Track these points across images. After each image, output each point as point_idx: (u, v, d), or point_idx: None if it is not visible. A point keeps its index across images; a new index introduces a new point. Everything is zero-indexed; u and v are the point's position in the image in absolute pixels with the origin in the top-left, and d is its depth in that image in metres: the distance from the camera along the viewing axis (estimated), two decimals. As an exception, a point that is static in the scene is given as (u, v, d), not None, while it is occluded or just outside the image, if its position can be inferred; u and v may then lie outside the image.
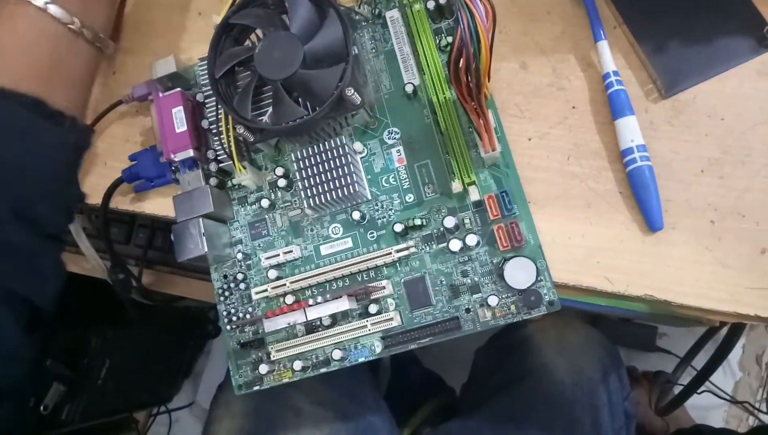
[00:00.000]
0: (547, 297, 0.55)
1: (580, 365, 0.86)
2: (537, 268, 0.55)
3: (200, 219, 0.58)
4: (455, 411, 1.03)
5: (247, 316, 0.60)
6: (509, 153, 0.58)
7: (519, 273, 0.55)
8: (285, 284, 0.59)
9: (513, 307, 0.56)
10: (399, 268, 0.59)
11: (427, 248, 0.59)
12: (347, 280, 0.59)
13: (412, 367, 1.26)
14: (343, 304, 0.52)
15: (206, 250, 0.57)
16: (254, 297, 0.60)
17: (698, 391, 1.11)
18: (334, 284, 0.59)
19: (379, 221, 0.60)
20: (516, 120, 0.59)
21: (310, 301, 0.51)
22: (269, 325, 0.52)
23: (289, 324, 0.51)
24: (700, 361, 1.13)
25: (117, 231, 0.88)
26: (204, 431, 0.81)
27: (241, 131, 0.53)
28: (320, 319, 0.58)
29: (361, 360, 0.58)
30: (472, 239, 0.56)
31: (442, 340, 0.57)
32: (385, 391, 1.15)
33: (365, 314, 0.58)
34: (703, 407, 1.43)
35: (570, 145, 0.55)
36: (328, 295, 0.51)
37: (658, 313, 0.78)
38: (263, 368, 0.58)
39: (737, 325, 0.90)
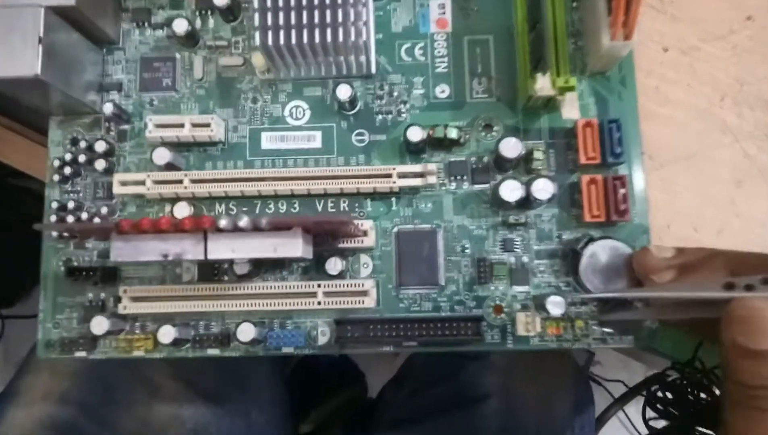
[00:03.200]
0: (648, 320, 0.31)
1: (551, 398, 0.64)
2: (641, 266, 0.30)
3: (42, 9, 0.28)
4: (368, 409, 0.80)
5: (96, 219, 0.32)
6: (631, 63, 0.33)
7: (607, 268, 0.30)
8: (182, 181, 0.31)
9: (580, 326, 0.31)
10: (396, 207, 0.33)
11: (454, 185, 0.33)
12: (297, 205, 0.32)
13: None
14: (284, 246, 0.25)
15: (40, 73, 0.28)
16: (117, 190, 0.32)
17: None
18: (273, 205, 0.32)
19: (380, 117, 0.33)
20: (652, 13, 0.34)
21: (222, 222, 0.23)
22: (124, 250, 0.24)
23: (165, 257, 0.24)
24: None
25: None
26: (11, 385, 0.52)
27: None
28: (231, 262, 0.30)
29: (286, 350, 0.32)
30: (540, 189, 0.30)
31: (439, 351, 0.32)
32: (289, 373, 0.89)
33: (317, 273, 0.31)
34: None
35: (730, 77, 0.34)
36: (259, 221, 0.24)
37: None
38: (98, 325, 0.30)
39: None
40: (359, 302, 0.30)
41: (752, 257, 0.26)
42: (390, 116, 0.34)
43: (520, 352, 0.66)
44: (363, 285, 0.30)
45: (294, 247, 0.24)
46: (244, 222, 0.23)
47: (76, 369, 0.49)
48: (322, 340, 0.32)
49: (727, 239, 0.32)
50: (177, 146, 0.33)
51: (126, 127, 0.34)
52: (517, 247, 0.32)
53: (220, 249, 0.24)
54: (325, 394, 0.88)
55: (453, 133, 0.32)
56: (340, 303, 0.30)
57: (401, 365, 0.80)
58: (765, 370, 0.23)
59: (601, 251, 0.31)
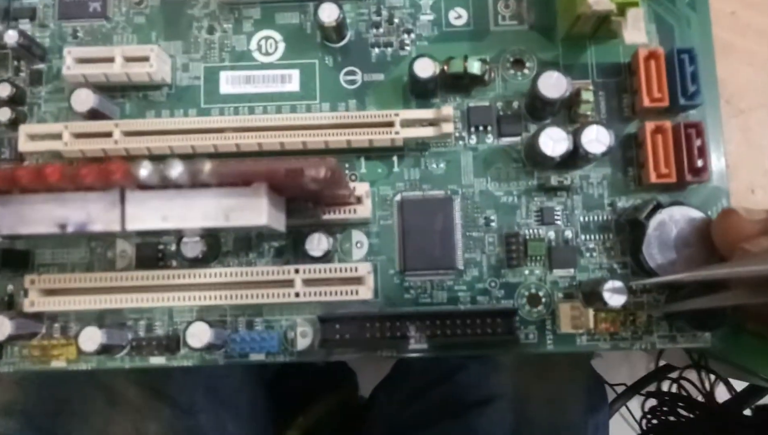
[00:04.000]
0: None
1: (563, 401, 0.58)
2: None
3: None
4: (360, 412, 0.73)
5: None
6: (702, -21, 0.25)
7: (679, 243, 0.23)
8: (111, 133, 0.23)
9: (642, 320, 0.24)
10: (398, 168, 0.25)
11: (475, 139, 0.25)
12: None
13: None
14: (242, 211, 0.17)
15: None
16: (25, 146, 0.24)
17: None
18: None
19: (377, 50, 0.26)
20: None
21: (142, 172, 0.15)
22: (2, 218, 0.16)
23: (62, 228, 0.16)
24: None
25: None
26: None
27: None
28: (178, 242, 0.23)
29: (255, 358, 0.24)
30: (593, 139, 0.23)
31: (459, 355, 0.24)
32: (270, 377, 0.82)
33: (295, 256, 0.23)
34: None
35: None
36: (199, 169, 0.15)
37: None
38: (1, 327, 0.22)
39: None
40: (351, 293, 0.22)
41: None
42: (390, 49, 0.26)
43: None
44: (356, 270, 0.22)
45: (256, 211, 0.16)
46: (177, 171, 0.15)
47: (23, 377, 0.42)
48: (302, 343, 0.24)
49: (829, 206, 0.25)
50: (107, 90, 0.25)
51: (41, 66, 0.26)
52: (558, 218, 0.25)
53: (145, 216, 0.16)
54: (313, 398, 0.80)
55: (475, 67, 0.24)
56: (325, 294, 0.22)
57: (395, 362, 0.72)
58: None
59: (670, 221, 0.23)
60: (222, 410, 0.48)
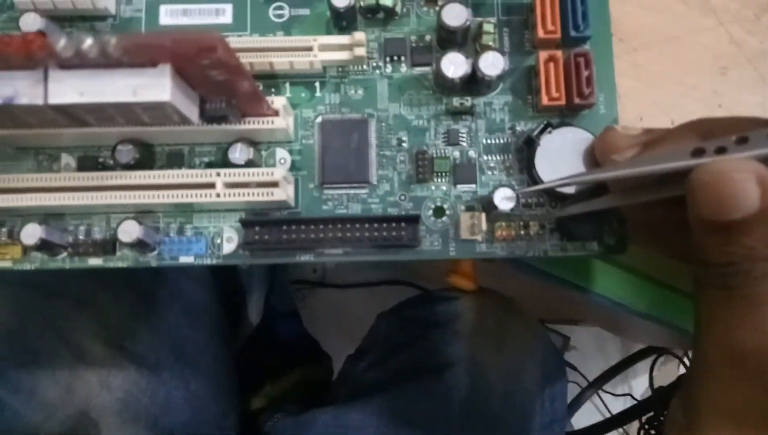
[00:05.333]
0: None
1: (518, 370, 0.60)
2: (607, 158, 0.25)
3: None
4: (327, 389, 0.74)
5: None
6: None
7: (568, 160, 0.26)
8: None
9: (535, 230, 0.26)
10: (320, 93, 0.27)
11: (390, 68, 0.28)
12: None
13: (285, 321, 0.93)
14: (147, 88, 0.19)
15: None
16: None
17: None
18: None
19: (304, -15, 0.28)
20: None
21: (60, 43, 0.17)
22: None
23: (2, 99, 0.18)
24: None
25: None
26: None
27: None
28: (113, 149, 0.25)
29: (185, 260, 0.26)
30: (489, 63, 0.25)
31: (370, 259, 0.27)
32: (240, 346, 0.83)
33: (222, 167, 0.26)
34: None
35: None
36: (107, 42, 0.18)
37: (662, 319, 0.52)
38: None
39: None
40: (267, 195, 0.24)
41: (728, 120, 0.21)
42: (318, -23, 0.28)
43: (484, 318, 0.61)
44: (272, 174, 0.24)
45: (160, 89, 0.19)
46: (87, 44, 0.17)
47: None
48: (227, 247, 0.26)
49: (708, 133, 0.28)
50: (57, 21, 0.28)
51: (-3, -2, 0.28)
52: (463, 139, 0.27)
53: (65, 91, 0.19)
54: (283, 370, 0.81)
55: (387, 0, 0.26)
56: (244, 195, 0.24)
57: (363, 338, 0.74)
58: (732, 244, 0.18)
59: (560, 139, 0.26)
60: (186, 368, 0.50)
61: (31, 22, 0.26)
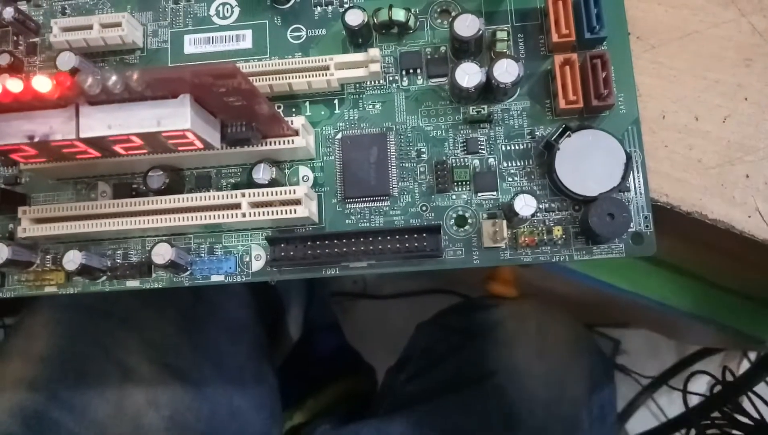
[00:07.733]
0: (634, 223, 0.26)
1: (562, 377, 0.58)
2: (626, 158, 0.25)
3: None
4: (369, 402, 0.74)
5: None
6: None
7: (589, 163, 0.25)
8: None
9: (558, 234, 0.26)
10: (339, 110, 0.28)
11: (407, 81, 0.28)
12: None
13: (325, 334, 0.94)
14: (170, 117, 0.20)
15: None
16: None
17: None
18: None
19: (319, 9, 0.29)
20: None
21: (88, 81, 0.18)
22: None
23: (30, 139, 0.19)
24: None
25: None
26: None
27: None
28: (144, 176, 0.26)
29: (216, 279, 0.27)
30: (503, 71, 0.25)
31: (394, 271, 0.27)
32: (283, 360, 0.84)
33: (248, 188, 0.27)
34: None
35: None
36: (129, 77, 0.19)
37: (713, 321, 0.51)
38: (-1, 253, 0.26)
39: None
40: (291, 212, 0.25)
41: None
42: (331, 8, 0.29)
43: (524, 325, 0.60)
44: (294, 192, 0.25)
45: (181, 117, 0.20)
46: (112, 80, 0.18)
47: (48, 354, 0.45)
48: (256, 265, 0.27)
49: (734, 127, 0.27)
50: (89, 56, 0.29)
51: (36, 39, 0.30)
52: (483, 147, 0.27)
53: (95, 125, 0.20)
54: (325, 383, 0.81)
55: (400, 15, 0.27)
56: (269, 214, 0.25)
57: (403, 349, 0.74)
58: None
59: (580, 142, 0.26)
60: (228, 384, 0.51)
61: (66, 60, 0.27)
